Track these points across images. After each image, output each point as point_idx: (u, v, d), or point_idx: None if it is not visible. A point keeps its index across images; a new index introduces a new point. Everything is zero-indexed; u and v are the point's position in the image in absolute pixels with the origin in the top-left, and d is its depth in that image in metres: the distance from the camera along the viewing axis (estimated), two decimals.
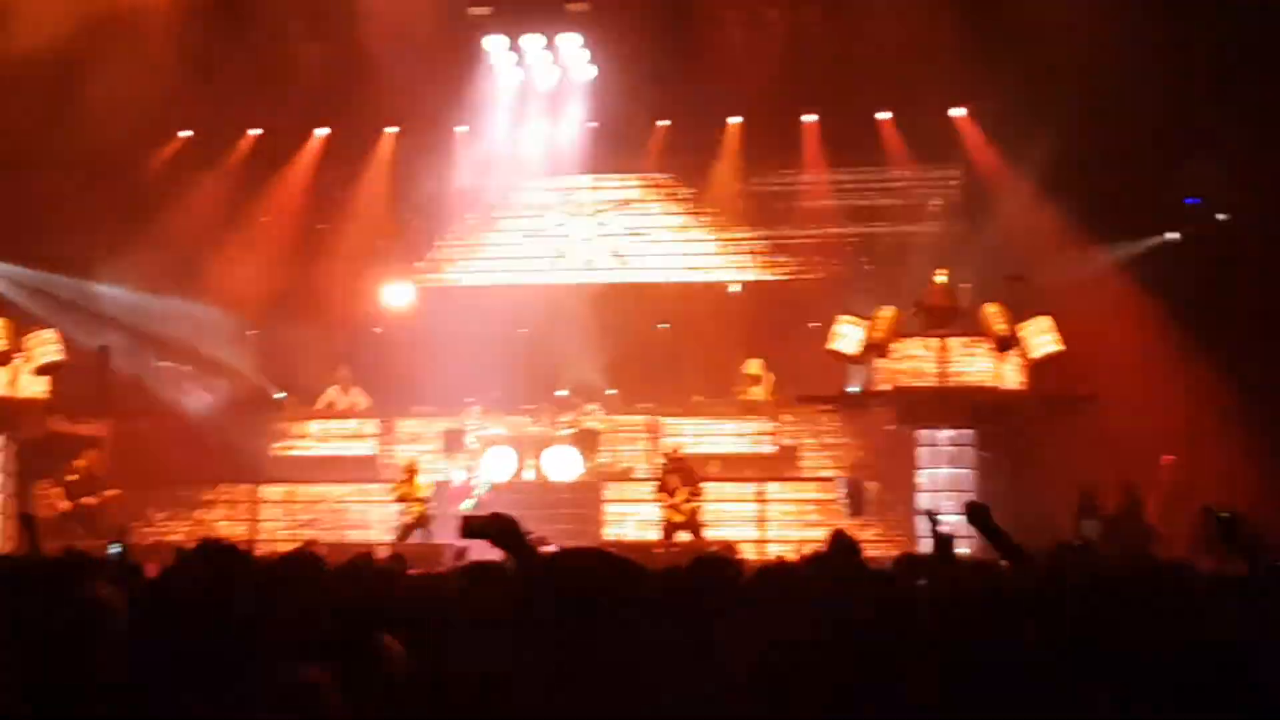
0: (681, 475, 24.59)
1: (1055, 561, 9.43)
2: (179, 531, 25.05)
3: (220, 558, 9.75)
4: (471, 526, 5.90)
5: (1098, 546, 19.22)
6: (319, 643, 6.32)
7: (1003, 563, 7.90)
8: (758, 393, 28.39)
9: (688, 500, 24.41)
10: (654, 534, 24.93)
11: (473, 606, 7.24)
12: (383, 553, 17.87)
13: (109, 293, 29.59)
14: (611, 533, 25.46)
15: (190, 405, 29.27)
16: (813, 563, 8.77)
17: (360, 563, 9.35)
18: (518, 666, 4.43)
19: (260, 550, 21.97)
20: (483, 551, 6.21)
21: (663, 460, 25.85)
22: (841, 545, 9.45)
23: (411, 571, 10.81)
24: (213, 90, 27.81)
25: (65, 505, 25.56)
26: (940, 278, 25.07)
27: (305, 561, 8.43)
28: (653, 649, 4.65)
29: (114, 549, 18.34)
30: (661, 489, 24.72)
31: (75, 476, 25.77)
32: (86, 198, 27.85)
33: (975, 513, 8.08)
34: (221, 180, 30.99)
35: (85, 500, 25.56)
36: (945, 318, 24.23)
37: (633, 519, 26.09)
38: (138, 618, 6.72)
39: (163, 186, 29.59)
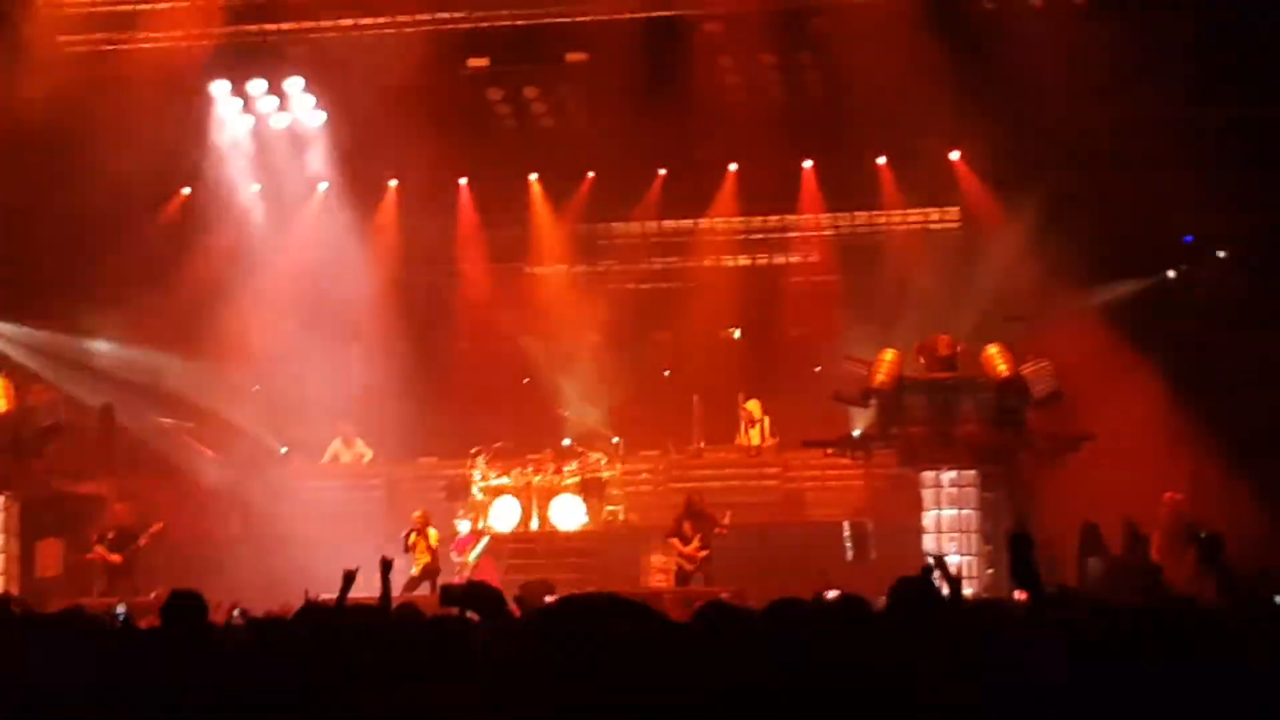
0: (694, 522, 24.54)
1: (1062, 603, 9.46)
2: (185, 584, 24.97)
3: (189, 613, 9.68)
4: (450, 595, 5.93)
5: (1102, 586, 19.30)
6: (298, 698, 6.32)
7: (1017, 595, 7.97)
8: (755, 435, 28.41)
9: (700, 548, 24.36)
10: (664, 581, 24.92)
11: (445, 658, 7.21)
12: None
13: (111, 350, 29.66)
14: (620, 580, 25.43)
15: (194, 462, 29.28)
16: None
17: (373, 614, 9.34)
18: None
19: (270, 605, 22.09)
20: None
21: (676, 507, 25.82)
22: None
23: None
24: (212, 148, 27.92)
25: (116, 558, 25.47)
26: (942, 333, 25.28)
27: (315, 615, 8.46)
28: (665, 692, 4.69)
29: (120, 609, 18.43)
30: (674, 535, 24.67)
31: (112, 534, 25.69)
32: (88, 256, 27.93)
33: (1019, 542, 8.10)
34: (222, 236, 31.13)
35: (128, 552, 25.50)
36: (946, 366, 24.32)
37: (641, 566, 26.09)
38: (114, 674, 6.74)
39: (165, 244, 29.61)
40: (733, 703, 5.47)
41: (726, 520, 24.71)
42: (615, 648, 4.37)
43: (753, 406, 28.56)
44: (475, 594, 5.24)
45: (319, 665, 7.04)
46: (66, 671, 6.80)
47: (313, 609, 9.50)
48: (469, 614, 7.34)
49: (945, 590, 9.59)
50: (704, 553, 24.40)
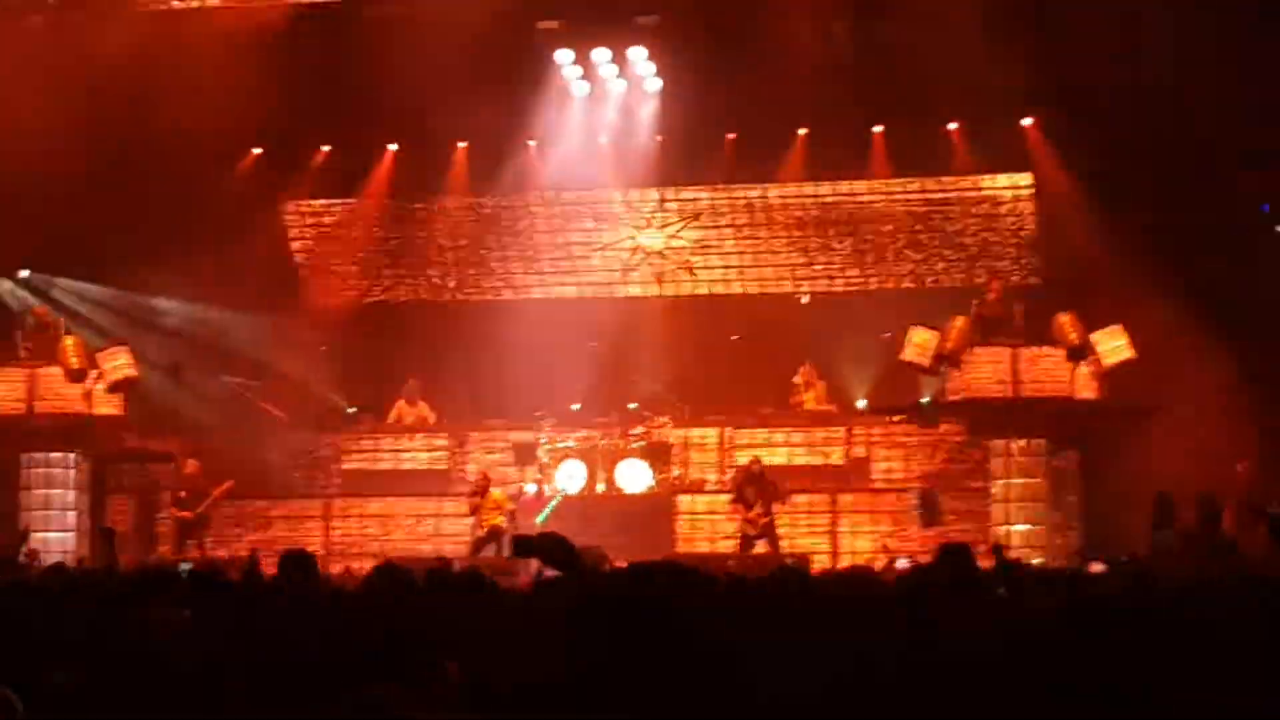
0: (758, 487, 24.52)
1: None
2: (249, 547, 25.08)
3: (300, 571, 9.84)
4: (521, 545, 5.91)
5: (1174, 559, 19.13)
6: (377, 662, 6.30)
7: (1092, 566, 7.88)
8: (810, 399, 28.33)
9: (763, 513, 24.36)
10: (727, 546, 24.93)
11: (535, 620, 7.21)
12: (457, 567, 17.89)
13: (179, 308, 29.80)
14: (684, 545, 25.44)
15: (261, 421, 29.40)
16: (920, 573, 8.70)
17: (441, 575, 9.35)
18: (574, 677, 4.40)
19: (333, 566, 22.18)
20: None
21: (737, 472, 25.80)
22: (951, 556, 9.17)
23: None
24: (285, 107, 27.91)
25: (187, 515, 25.70)
26: (993, 287, 25.20)
27: (394, 576, 8.47)
28: (727, 658, 4.64)
29: (185, 566, 18.53)
30: (737, 501, 24.67)
31: (184, 493, 25.92)
32: (160, 215, 28.05)
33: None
34: (292, 195, 31.30)
35: (200, 510, 25.72)
36: (999, 326, 24.23)
37: (705, 531, 26.13)
38: (211, 630, 6.75)
39: (237, 202, 29.72)
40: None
41: (788, 485, 24.75)
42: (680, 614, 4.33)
43: (804, 374, 28.47)
44: (547, 544, 5.20)
45: (401, 625, 7.03)
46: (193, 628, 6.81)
47: (389, 569, 9.55)
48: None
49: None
50: (766, 518, 24.40)
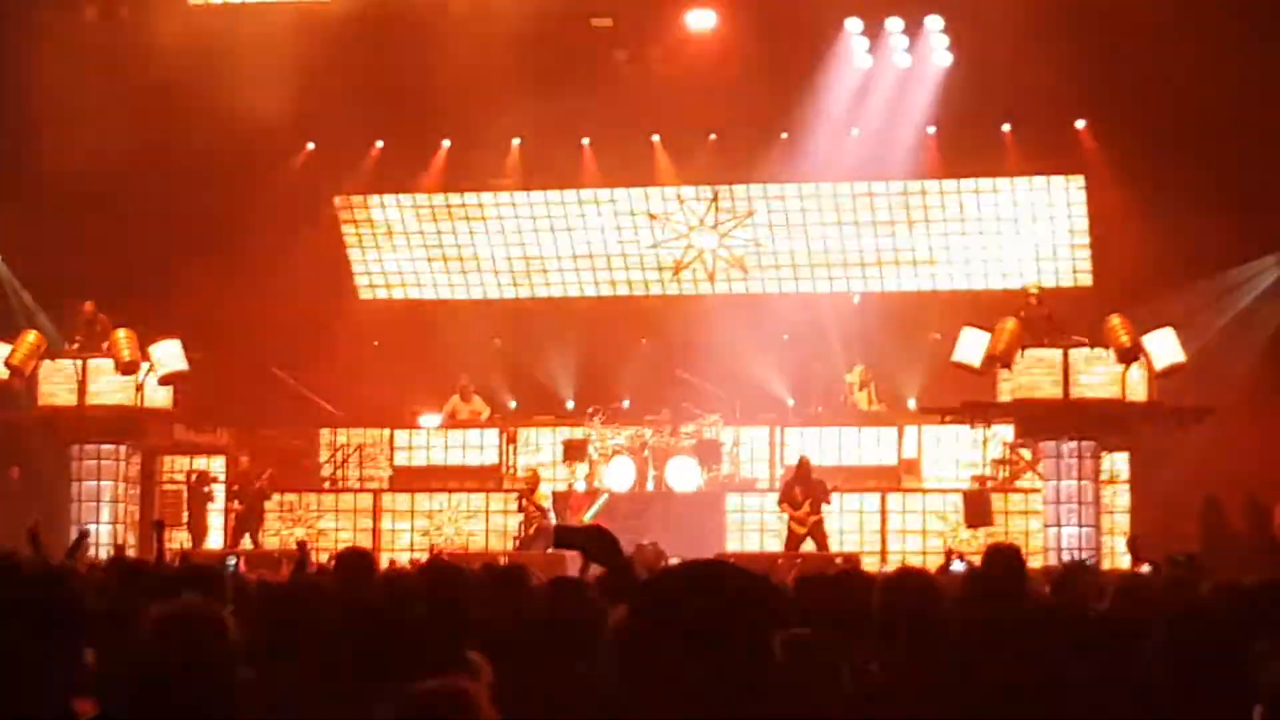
0: (806, 486, 24.49)
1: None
2: (298, 538, 25.15)
3: (355, 567, 9.84)
4: (562, 537, 5.86)
5: (1223, 561, 19.06)
6: (409, 658, 6.30)
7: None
8: (861, 399, 28.31)
9: (812, 512, 24.33)
10: (777, 545, 24.92)
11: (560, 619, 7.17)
12: (503, 562, 17.92)
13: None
14: (733, 544, 25.44)
15: (310, 414, 29.51)
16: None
17: (491, 572, 9.38)
18: (628, 683, 4.36)
19: (381, 560, 22.19)
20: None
21: (786, 471, 25.79)
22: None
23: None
24: (338, 102, 28.04)
25: (239, 507, 25.93)
26: (1034, 289, 25.19)
27: (446, 571, 8.47)
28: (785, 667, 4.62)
29: (230, 561, 18.60)
30: (785, 500, 24.63)
31: (236, 486, 26.15)
32: (213, 210, 28.19)
33: None
34: (345, 190, 31.45)
35: (254, 505, 25.95)
36: (1050, 328, 24.19)
37: (754, 530, 26.12)
38: (257, 626, 6.77)
39: (290, 197, 29.88)
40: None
41: (837, 486, 24.76)
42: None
43: (857, 374, 28.45)
44: (591, 536, 5.14)
45: (446, 620, 7.06)
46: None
47: (440, 564, 9.56)
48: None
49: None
50: (815, 517, 24.37)
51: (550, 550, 24.37)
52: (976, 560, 10.27)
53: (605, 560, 5.12)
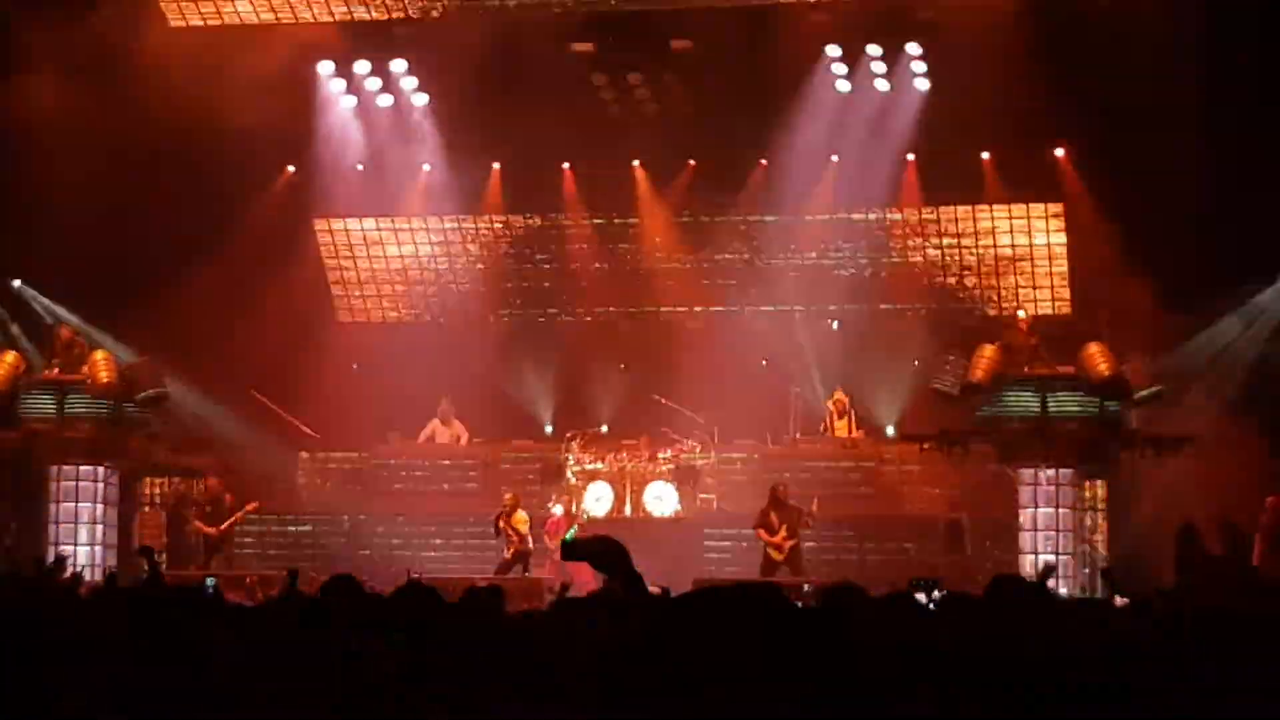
0: (782, 513, 24.48)
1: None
2: (274, 565, 25.05)
3: (344, 596, 9.77)
4: (573, 548, 5.73)
5: (1200, 589, 19.07)
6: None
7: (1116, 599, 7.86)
8: (841, 426, 28.31)
9: (788, 538, 24.32)
10: (753, 571, 24.88)
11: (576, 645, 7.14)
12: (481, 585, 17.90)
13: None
14: (710, 570, 25.39)
15: (289, 437, 29.48)
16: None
17: (471, 599, 9.33)
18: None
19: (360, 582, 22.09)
20: (583, 589, 6.10)
21: (768, 497, 25.78)
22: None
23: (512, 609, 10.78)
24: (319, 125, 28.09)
25: (212, 530, 25.77)
26: (1023, 316, 25.25)
27: (421, 595, 8.43)
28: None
29: (209, 582, 18.53)
30: (761, 525, 24.60)
31: (209, 507, 25.99)
32: (193, 232, 28.14)
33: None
34: (324, 213, 31.48)
35: (223, 527, 25.76)
36: (1027, 354, 24.21)
37: (732, 557, 26.09)
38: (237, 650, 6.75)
39: (270, 220, 29.89)
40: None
41: (814, 508, 24.68)
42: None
43: (842, 398, 28.46)
44: (600, 548, 5.07)
45: (427, 643, 7.03)
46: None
47: (416, 587, 9.50)
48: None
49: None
50: (791, 542, 24.36)
51: (528, 574, 24.43)
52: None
53: (615, 570, 5.04)
